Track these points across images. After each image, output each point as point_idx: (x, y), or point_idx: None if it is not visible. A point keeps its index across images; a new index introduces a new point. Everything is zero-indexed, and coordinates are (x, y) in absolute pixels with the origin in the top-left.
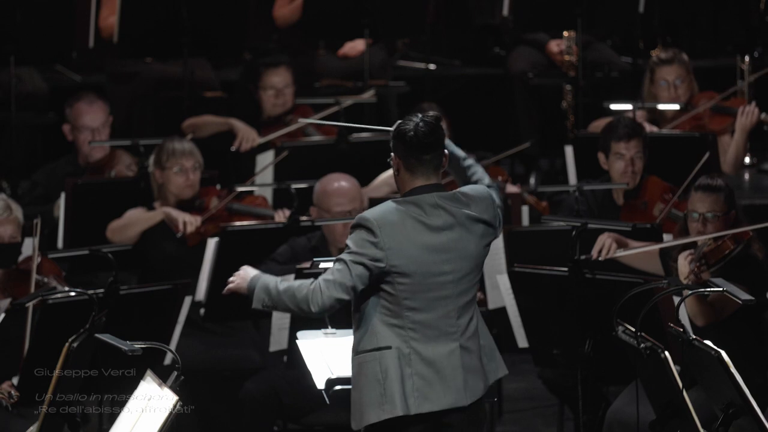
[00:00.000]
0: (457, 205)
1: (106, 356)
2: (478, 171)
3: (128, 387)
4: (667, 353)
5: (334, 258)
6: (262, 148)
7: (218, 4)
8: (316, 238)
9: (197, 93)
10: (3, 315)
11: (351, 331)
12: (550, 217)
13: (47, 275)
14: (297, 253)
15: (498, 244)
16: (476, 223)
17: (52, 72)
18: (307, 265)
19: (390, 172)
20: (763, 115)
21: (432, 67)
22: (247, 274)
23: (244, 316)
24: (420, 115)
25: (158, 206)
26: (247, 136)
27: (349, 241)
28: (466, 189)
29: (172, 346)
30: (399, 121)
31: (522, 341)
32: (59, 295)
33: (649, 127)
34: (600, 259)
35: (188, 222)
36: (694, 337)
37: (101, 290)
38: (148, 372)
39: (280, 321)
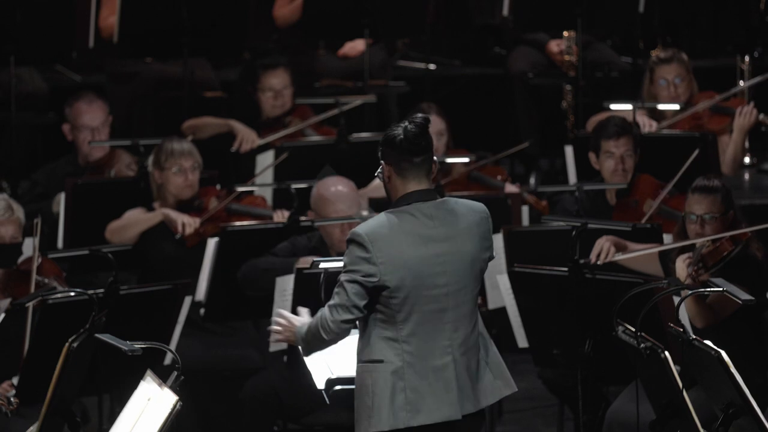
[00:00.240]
0: (453, 216)
1: (106, 356)
2: None
3: (128, 387)
4: (667, 353)
5: (333, 258)
6: (262, 149)
7: (218, 4)
8: (316, 238)
9: (197, 93)
10: (3, 315)
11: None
12: (550, 217)
13: (48, 276)
14: (298, 250)
15: (498, 244)
16: (473, 234)
17: (52, 72)
18: (307, 265)
19: None
20: (762, 116)
21: (432, 67)
22: (293, 326)
23: (244, 316)
24: (407, 120)
25: (157, 206)
26: (246, 137)
27: (345, 258)
28: (462, 200)
29: (172, 346)
30: (384, 133)
31: (522, 341)
32: (59, 295)
33: (650, 123)
34: (599, 263)
35: (187, 224)
36: (694, 337)
37: (101, 290)
38: (148, 372)
39: None
